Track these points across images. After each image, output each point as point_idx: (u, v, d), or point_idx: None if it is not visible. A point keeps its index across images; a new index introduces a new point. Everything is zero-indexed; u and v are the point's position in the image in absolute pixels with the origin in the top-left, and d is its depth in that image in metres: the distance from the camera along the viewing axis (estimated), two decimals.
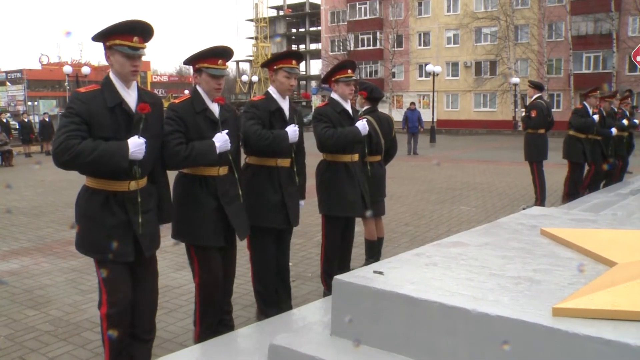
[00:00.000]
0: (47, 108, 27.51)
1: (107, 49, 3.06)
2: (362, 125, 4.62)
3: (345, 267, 4.72)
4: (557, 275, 2.88)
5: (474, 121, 39.84)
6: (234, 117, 3.83)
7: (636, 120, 10.68)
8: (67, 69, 29.52)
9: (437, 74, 31.74)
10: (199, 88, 3.62)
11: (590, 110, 9.16)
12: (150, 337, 3.33)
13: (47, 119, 23.10)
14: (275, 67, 4.09)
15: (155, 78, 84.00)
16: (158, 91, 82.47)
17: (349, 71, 4.63)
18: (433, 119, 29.78)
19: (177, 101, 3.62)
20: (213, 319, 3.64)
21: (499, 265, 3.05)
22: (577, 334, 2.17)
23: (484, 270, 2.96)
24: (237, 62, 73.83)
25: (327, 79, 4.70)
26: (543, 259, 3.17)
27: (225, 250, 3.74)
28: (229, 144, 3.58)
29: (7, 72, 59.33)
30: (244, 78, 45.42)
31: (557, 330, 2.22)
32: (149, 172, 3.26)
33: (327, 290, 4.52)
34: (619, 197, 7.85)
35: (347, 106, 4.69)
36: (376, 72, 46.27)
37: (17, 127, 24.11)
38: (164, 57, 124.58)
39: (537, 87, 9.45)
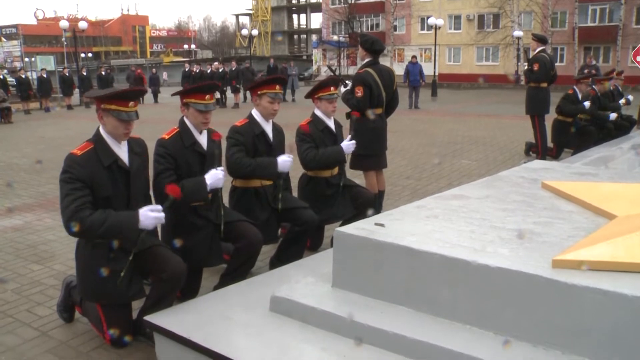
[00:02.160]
0: (45, 64, 27.10)
1: (102, 109, 3.13)
2: (346, 145, 4.68)
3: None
4: (558, 228, 2.89)
5: (476, 75, 39.42)
6: (219, 146, 3.92)
7: (630, 97, 10.54)
8: (64, 24, 29.00)
9: (439, 27, 31.22)
10: (186, 120, 3.71)
11: (580, 96, 9.15)
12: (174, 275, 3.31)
13: (44, 75, 22.83)
14: (259, 92, 4.17)
15: (154, 33, 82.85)
16: (157, 46, 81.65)
17: (332, 88, 4.67)
18: (435, 72, 29.42)
19: (166, 137, 3.68)
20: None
21: (499, 218, 3.06)
22: (575, 285, 2.20)
23: (484, 223, 2.98)
24: (237, 15, 72.75)
25: (311, 96, 4.73)
26: (543, 212, 3.18)
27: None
28: (222, 182, 3.70)
29: (1, 27, 58.51)
30: (244, 32, 44.77)
31: (556, 281, 2.24)
32: None
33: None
34: (620, 152, 7.83)
35: (330, 123, 4.73)
36: (377, 25, 45.52)
37: (15, 83, 23.88)
38: (162, 11, 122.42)
39: (541, 40, 9.30)
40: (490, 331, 2.42)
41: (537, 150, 9.25)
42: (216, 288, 3.75)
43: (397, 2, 42.72)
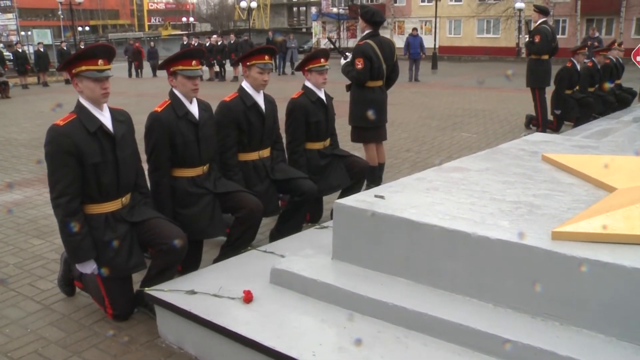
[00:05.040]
0: (42, 38, 26.83)
1: (75, 76, 3.11)
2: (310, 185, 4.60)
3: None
4: (557, 200, 2.90)
5: (477, 47, 39.05)
6: (211, 115, 3.91)
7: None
8: None
9: None
10: (176, 91, 3.68)
11: (579, 67, 9.20)
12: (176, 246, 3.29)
13: (41, 49, 22.58)
14: (248, 63, 4.14)
15: (151, 6, 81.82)
16: (155, 19, 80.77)
17: (322, 60, 4.64)
18: (435, 45, 29.15)
19: (159, 109, 3.65)
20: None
21: (499, 190, 3.07)
22: (575, 256, 2.21)
23: (484, 195, 2.98)
24: None
25: (301, 68, 4.71)
26: (543, 185, 3.18)
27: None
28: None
29: None
30: (243, 4, 44.26)
31: (555, 253, 2.25)
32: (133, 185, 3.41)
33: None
34: (621, 125, 7.81)
35: (321, 94, 4.71)
36: None
37: (12, 58, 23.66)
38: None
39: (543, 11, 9.20)
40: (490, 303, 2.44)
41: (537, 122, 9.22)
42: (216, 260, 3.76)
43: None
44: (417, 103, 13.62)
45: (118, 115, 3.31)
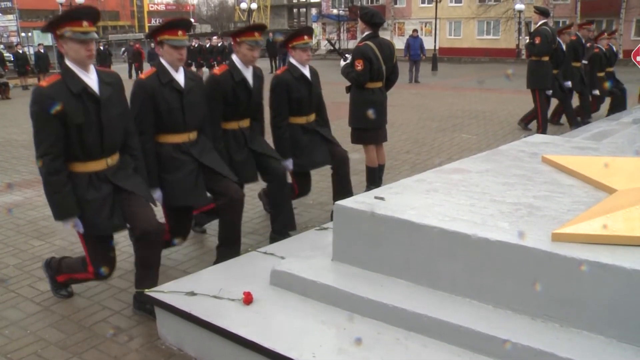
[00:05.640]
0: (42, 39, 26.82)
1: (59, 38, 3.12)
2: (287, 164, 4.72)
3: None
4: (557, 201, 2.89)
5: (477, 49, 39.06)
6: (199, 84, 3.97)
7: (596, 92, 10.31)
8: None
9: (440, 1, 30.83)
10: (162, 60, 3.74)
11: (564, 46, 9.39)
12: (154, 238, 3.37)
13: (42, 50, 22.57)
14: (238, 39, 4.23)
15: (152, 7, 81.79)
16: (155, 20, 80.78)
17: (305, 37, 4.74)
18: (435, 46, 29.16)
19: (144, 76, 3.75)
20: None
21: (499, 192, 3.06)
22: (575, 258, 2.20)
23: (484, 197, 2.98)
24: None
25: (285, 45, 4.80)
26: (543, 186, 3.18)
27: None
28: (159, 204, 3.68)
29: None
30: (243, 5, 44.29)
31: (555, 254, 2.25)
32: (121, 146, 3.42)
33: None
34: (621, 126, 7.80)
35: (306, 71, 4.79)
36: None
37: (12, 59, 23.64)
38: None
39: (543, 13, 9.22)
40: (490, 304, 2.44)
41: (528, 120, 9.59)
42: (216, 263, 3.77)
43: None
44: (417, 104, 13.62)
45: (106, 77, 3.32)
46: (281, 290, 2.95)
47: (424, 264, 2.62)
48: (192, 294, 2.99)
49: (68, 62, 3.16)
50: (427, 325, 2.43)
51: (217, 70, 4.34)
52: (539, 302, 2.31)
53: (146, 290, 3.14)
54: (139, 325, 3.31)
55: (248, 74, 4.31)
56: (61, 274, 3.65)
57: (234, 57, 4.31)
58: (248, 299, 2.87)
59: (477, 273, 2.46)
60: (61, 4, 28.77)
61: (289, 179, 4.86)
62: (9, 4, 55.15)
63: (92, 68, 3.23)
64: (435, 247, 2.56)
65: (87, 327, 3.32)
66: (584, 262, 2.18)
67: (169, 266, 4.14)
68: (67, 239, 4.75)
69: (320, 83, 4.95)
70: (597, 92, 10.08)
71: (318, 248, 3.21)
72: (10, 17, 52.94)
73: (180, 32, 3.68)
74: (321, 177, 6.06)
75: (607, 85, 10.11)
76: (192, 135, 3.84)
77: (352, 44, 37.27)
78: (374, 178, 5.60)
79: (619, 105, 10.42)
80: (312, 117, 4.89)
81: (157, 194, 3.74)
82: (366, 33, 5.48)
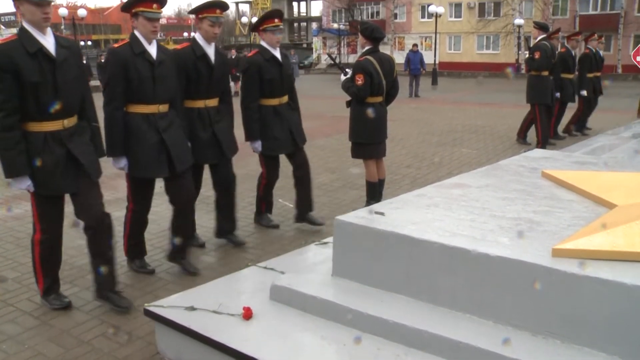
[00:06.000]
0: None
1: (16, 0, 3.21)
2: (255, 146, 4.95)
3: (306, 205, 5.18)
4: (557, 216, 2.89)
5: (477, 63, 39.24)
6: (171, 58, 4.07)
7: (584, 92, 10.48)
8: (63, 12, 28.93)
9: (440, 15, 31.02)
10: (136, 32, 3.86)
11: (574, 53, 9.84)
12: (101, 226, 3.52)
13: None
14: (200, 16, 4.33)
15: None
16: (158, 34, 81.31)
17: (276, 20, 4.86)
18: (435, 61, 29.31)
19: (116, 46, 3.93)
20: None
21: (499, 207, 3.06)
22: (575, 274, 2.20)
23: (484, 212, 2.98)
24: (237, 3, 72.20)
25: (256, 28, 4.93)
26: (543, 201, 3.18)
27: (175, 180, 4.05)
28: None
29: (0, 15, 58.09)
30: (244, 20, 44.55)
31: (556, 270, 2.24)
32: (78, 110, 3.49)
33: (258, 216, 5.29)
34: (620, 141, 7.82)
35: (276, 53, 4.91)
36: (378, 13, 45.22)
37: None
38: None
39: (542, 28, 9.31)
40: (490, 320, 2.42)
41: (524, 131, 9.69)
42: (170, 256, 4.25)
43: None
44: (417, 119, 13.65)
45: (63, 42, 3.42)
46: (281, 305, 2.94)
47: (424, 279, 2.62)
48: (192, 308, 2.97)
49: (25, 24, 3.26)
50: (427, 341, 2.42)
51: (179, 46, 4.50)
52: (540, 318, 2.30)
53: (146, 304, 3.13)
54: (138, 340, 3.30)
55: (210, 51, 4.40)
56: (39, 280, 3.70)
57: (196, 34, 4.43)
58: (248, 314, 2.86)
59: (477, 288, 2.45)
60: (64, 17, 28.95)
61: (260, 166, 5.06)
62: (12, 18, 55.51)
63: (49, 31, 3.33)
64: (435, 262, 2.56)
65: (86, 342, 3.30)
66: (584, 277, 2.17)
67: (168, 280, 4.13)
68: (66, 252, 4.72)
69: (291, 66, 5.12)
70: (584, 92, 10.15)
71: (318, 263, 3.20)
72: (14, 30, 53.08)
73: (155, 5, 3.80)
74: (322, 192, 6.06)
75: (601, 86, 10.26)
76: (162, 108, 3.93)
77: (352, 59, 37.44)
78: (374, 193, 5.60)
79: (586, 110, 10.55)
80: (285, 98, 5.03)
81: (123, 162, 3.87)
82: (367, 48, 5.51)
